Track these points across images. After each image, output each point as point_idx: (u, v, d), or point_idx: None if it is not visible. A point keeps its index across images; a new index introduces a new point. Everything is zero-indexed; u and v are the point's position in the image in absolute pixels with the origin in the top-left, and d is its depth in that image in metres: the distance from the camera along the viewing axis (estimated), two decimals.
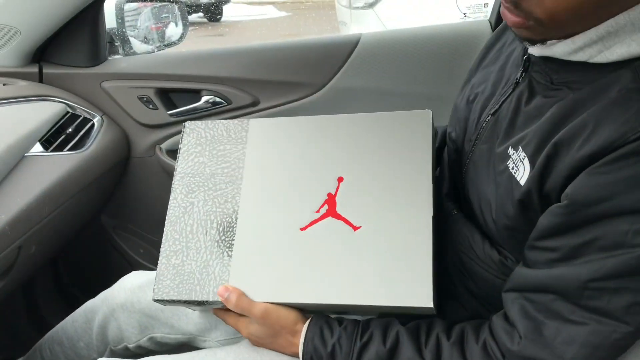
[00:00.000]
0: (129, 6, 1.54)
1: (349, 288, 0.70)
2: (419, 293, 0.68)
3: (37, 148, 1.10)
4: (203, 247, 0.77)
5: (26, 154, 1.05)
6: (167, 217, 0.80)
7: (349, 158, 0.77)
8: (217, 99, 1.37)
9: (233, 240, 0.76)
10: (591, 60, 0.61)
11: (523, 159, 0.64)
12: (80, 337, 0.95)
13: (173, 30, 1.68)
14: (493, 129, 0.73)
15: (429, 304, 0.67)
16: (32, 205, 0.95)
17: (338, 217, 0.74)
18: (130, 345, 0.97)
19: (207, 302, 0.74)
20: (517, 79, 0.71)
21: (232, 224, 0.77)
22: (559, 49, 0.63)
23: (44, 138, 1.13)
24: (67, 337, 0.97)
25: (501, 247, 0.71)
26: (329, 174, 0.77)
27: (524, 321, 0.62)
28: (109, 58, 1.41)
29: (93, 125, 1.30)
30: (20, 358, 1.07)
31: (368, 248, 0.72)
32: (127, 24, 1.50)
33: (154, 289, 0.76)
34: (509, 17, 0.61)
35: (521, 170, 0.64)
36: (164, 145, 1.40)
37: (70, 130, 1.22)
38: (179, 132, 1.39)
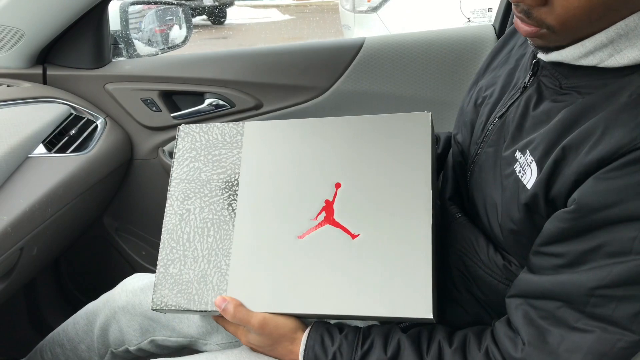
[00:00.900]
0: (133, 8, 1.54)
1: (347, 298, 0.69)
2: (418, 304, 0.67)
3: (40, 149, 1.10)
4: (200, 256, 0.76)
5: (29, 155, 1.05)
6: (164, 225, 0.79)
7: (346, 162, 0.76)
8: (221, 102, 1.37)
9: (230, 248, 0.75)
10: (602, 65, 0.60)
11: (530, 163, 0.64)
12: (82, 339, 0.95)
13: (177, 33, 1.68)
14: (500, 132, 0.72)
15: (429, 315, 0.67)
16: (34, 207, 0.95)
17: (336, 224, 0.73)
18: (131, 348, 0.97)
19: (205, 311, 0.74)
20: (525, 82, 0.71)
21: (229, 232, 0.76)
22: (568, 54, 0.62)
23: (47, 139, 1.13)
24: (68, 339, 0.97)
25: (506, 251, 0.70)
26: (326, 180, 0.76)
27: (528, 328, 0.62)
28: (113, 60, 1.42)
29: (96, 127, 1.30)
30: (21, 359, 1.07)
31: (366, 257, 0.71)
32: (131, 26, 1.51)
33: (152, 298, 0.76)
34: (522, 27, 0.61)
35: (528, 174, 0.64)
36: (167, 148, 1.40)
37: (73, 131, 1.22)
38: None
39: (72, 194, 1.09)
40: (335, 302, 0.70)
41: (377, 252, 0.70)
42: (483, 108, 0.78)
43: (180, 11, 1.65)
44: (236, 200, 0.78)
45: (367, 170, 0.75)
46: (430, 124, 0.75)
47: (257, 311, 0.71)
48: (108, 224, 1.48)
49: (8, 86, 1.26)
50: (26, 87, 1.28)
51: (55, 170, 1.08)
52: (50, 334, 1.01)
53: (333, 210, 0.74)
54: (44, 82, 1.34)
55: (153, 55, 1.56)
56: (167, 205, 0.80)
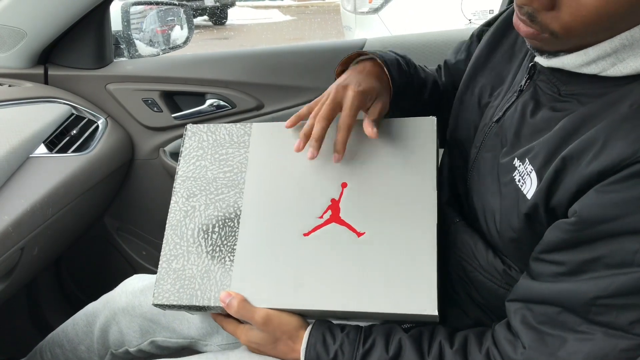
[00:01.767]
0: (134, 9, 1.54)
1: (352, 295, 0.70)
2: (423, 301, 0.68)
3: (42, 149, 1.10)
4: (204, 252, 0.76)
5: (31, 155, 1.06)
6: (167, 221, 0.79)
7: (353, 163, 0.77)
8: (222, 103, 1.38)
9: (235, 245, 0.76)
10: (603, 74, 0.60)
11: (530, 172, 0.63)
12: (81, 340, 0.95)
13: (178, 34, 1.68)
14: (496, 137, 0.71)
15: (434, 312, 0.67)
16: (35, 207, 0.95)
17: (342, 223, 0.74)
18: (131, 349, 0.97)
19: (208, 307, 0.74)
20: (521, 86, 0.70)
21: (234, 229, 0.77)
22: (569, 61, 0.61)
23: (49, 139, 1.13)
24: (68, 339, 0.97)
25: (505, 256, 0.70)
26: (333, 180, 0.76)
27: (528, 331, 0.62)
28: (115, 60, 1.42)
29: (97, 127, 1.30)
30: (21, 359, 1.07)
31: (372, 255, 0.71)
32: (132, 26, 1.51)
33: (153, 293, 0.76)
34: (522, 28, 0.59)
35: (528, 183, 0.63)
36: (168, 148, 1.40)
37: (74, 132, 1.22)
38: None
39: (73, 194, 1.10)
40: (340, 298, 0.70)
41: (382, 250, 0.71)
42: (488, 110, 0.76)
43: (182, 12, 1.66)
44: (242, 198, 0.78)
45: (374, 170, 0.76)
46: (435, 128, 0.76)
47: (261, 307, 0.71)
48: (109, 224, 1.48)
49: (10, 86, 1.26)
50: (28, 87, 1.28)
51: (56, 170, 1.08)
52: (50, 335, 1.01)
53: (339, 208, 0.75)
54: (46, 82, 1.34)
55: (154, 55, 1.56)
56: (172, 202, 0.80)
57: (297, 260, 0.73)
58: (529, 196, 0.62)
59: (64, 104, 1.26)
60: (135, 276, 1.01)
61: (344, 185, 0.76)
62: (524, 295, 0.64)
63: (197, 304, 0.74)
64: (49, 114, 1.18)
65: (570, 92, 0.63)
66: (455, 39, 1.36)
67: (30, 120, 1.12)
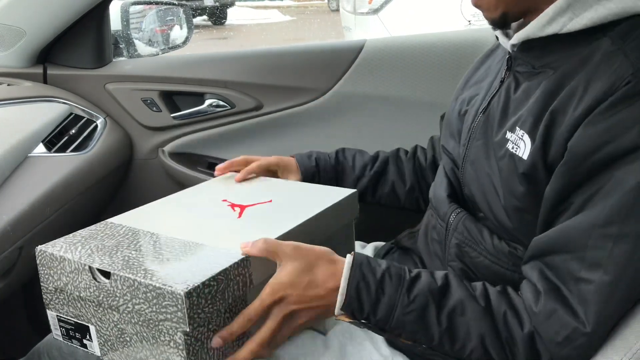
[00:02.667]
0: (134, 8, 1.54)
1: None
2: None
3: (40, 149, 1.10)
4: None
5: (29, 155, 1.05)
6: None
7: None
8: (221, 103, 1.38)
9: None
10: (564, 30, 0.65)
11: (522, 136, 0.67)
12: None
13: (178, 33, 1.69)
14: (485, 125, 0.75)
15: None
16: (34, 206, 0.95)
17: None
18: None
19: (226, 270, 0.66)
20: (502, 78, 0.76)
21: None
22: (533, 26, 0.67)
23: (47, 139, 1.13)
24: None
25: (510, 240, 0.72)
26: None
27: (544, 283, 0.63)
28: (114, 60, 1.42)
29: (96, 126, 1.30)
30: (20, 359, 1.07)
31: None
32: (132, 26, 1.51)
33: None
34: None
35: (522, 146, 0.67)
36: (167, 148, 1.40)
37: (73, 131, 1.22)
38: (183, 135, 1.39)
39: (71, 194, 1.09)
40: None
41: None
42: (467, 116, 0.82)
43: (181, 11, 1.66)
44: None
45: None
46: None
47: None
48: None
49: (8, 85, 1.26)
50: (26, 87, 1.28)
51: (54, 169, 1.08)
52: (47, 337, 1.00)
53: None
54: (45, 82, 1.34)
55: (154, 55, 1.56)
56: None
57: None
58: (525, 157, 0.66)
59: (63, 103, 1.26)
60: None
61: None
62: (534, 252, 0.65)
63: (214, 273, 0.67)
64: (48, 113, 1.18)
65: (543, 64, 0.69)
66: (454, 40, 1.37)
67: (29, 120, 1.12)
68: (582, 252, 0.60)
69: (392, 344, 0.80)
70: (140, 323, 0.65)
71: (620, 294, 0.59)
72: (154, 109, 1.37)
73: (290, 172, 1.01)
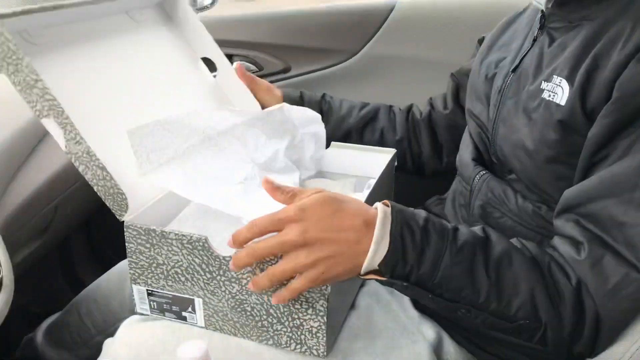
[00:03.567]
0: None
1: None
2: None
3: None
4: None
5: None
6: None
7: None
8: (249, 65, 1.37)
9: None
10: None
11: (560, 83, 0.65)
12: (114, 295, 0.98)
13: None
14: (517, 83, 0.74)
15: None
16: (67, 167, 0.97)
17: None
18: None
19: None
20: (535, 36, 0.75)
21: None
22: None
23: None
24: (101, 295, 1.00)
25: (535, 200, 0.70)
26: None
27: (584, 233, 0.60)
28: None
29: None
30: (56, 313, 1.11)
31: None
32: None
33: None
34: None
35: (559, 93, 0.65)
36: None
37: None
38: None
39: None
40: None
41: None
42: (496, 78, 0.80)
43: None
44: None
45: None
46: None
47: None
48: None
49: None
50: None
51: None
52: (85, 290, 1.05)
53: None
54: None
55: None
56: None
57: None
58: (563, 102, 0.64)
59: None
60: None
61: None
62: (568, 203, 0.62)
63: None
64: None
65: (579, 16, 0.68)
66: (492, 2, 1.33)
67: None
68: (630, 193, 0.56)
69: (420, 306, 0.80)
70: (269, 293, 0.66)
71: None
72: None
73: (270, 96, 1.02)
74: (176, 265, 0.69)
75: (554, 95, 0.65)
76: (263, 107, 0.99)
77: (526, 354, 0.74)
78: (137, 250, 0.71)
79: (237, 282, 0.67)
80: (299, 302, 0.65)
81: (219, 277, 0.68)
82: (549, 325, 0.59)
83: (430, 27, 1.32)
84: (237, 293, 0.68)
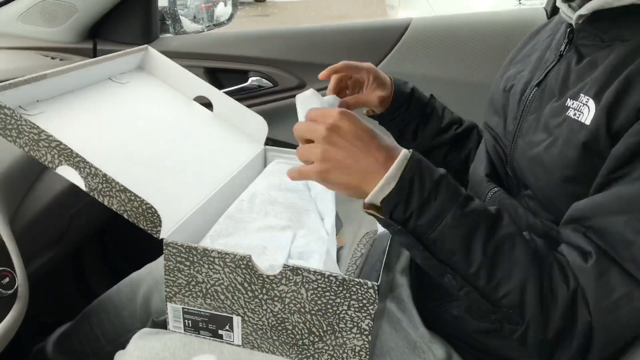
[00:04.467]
0: None
1: None
2: None
3: None
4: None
5: None
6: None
7: None
8: (264, 80, 1.38)
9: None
10: None
11: (587, 102, 0.63)
12: (125, 306, 0.99)
13: (222, 10, 1.69)
14: (540, 98, 0.72)
15: None
16: None
17: None
18: None
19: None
20: (561, 51, 0.72)
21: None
22: None
23: None
24: (113, 305, 1.00)
25: (546, 219, 0.69)
26: None
27: (592, 245, 0.59)
28: (160, 37, 1.44)
29: None
30: (67, 323, 1.12)
31: None
32: (178, 2, 1.52)
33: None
34: None
35: (585, 112, 0.63)
36: None
37: None
38: None
39: None
40: None
41: None
42: (514, 90, 0.79)
43: None
44: None
45: None
46: None
47: None
48: None
49: (61, 60, 1.29)
50: (77, 61, 1.31)
51: None
52: (97, 300, 1.05)
53: None
54: (94, 57, 1.37)
55: (199, 32, 1.57)
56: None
57: None
58: (588, 122, 0.62)
59: None
60: None
61: None
62: (576, 215, 0.61)
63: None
64: None
65: (613, 36, 0.65)
66: (503, 20, 1.33)
67: None
68: None
69: (430, 324, 0.80)
70: (312, 312, 0.66)
71: None
72: None
73: (380, 87, 0.90)
74: (216, 284, 0.69)
75: (579, 115, 0.63)
76: (370, 97, 0.90)
77: None
78: (175, 268, 0.70)
79: (280, 300, 0.67)
80: (344, 321, 0.65)
81: (260, 296, 0.67)
82: (532, 323, 0.58)
83: (444, 46, 1.32)
84: (279, 312, 0.68)
